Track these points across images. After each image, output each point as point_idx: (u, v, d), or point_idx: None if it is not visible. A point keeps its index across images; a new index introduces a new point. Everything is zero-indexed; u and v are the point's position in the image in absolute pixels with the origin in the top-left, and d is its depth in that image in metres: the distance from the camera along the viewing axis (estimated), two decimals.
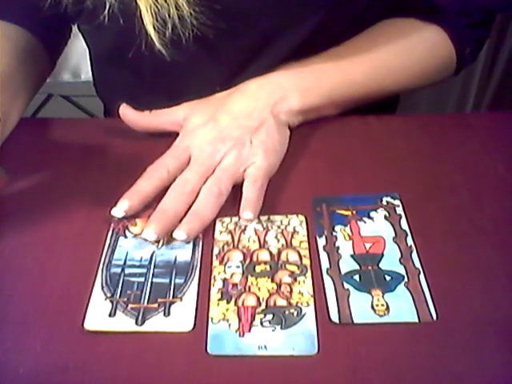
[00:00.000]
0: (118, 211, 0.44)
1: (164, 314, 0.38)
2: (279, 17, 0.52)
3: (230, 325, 0.37)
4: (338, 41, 0.55)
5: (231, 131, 0.47)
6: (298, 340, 0.36)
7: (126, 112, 0.52)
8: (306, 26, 0.53)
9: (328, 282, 0.40)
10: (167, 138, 0.55)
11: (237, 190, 0.47)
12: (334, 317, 0.37)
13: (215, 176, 0.45)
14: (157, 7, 0.44)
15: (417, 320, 0.37)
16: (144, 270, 0.41)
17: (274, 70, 0.52)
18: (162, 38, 0.46)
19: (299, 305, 0.38)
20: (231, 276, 0.40)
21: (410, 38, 0.56)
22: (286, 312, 0.38)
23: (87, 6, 0.46)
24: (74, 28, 0.60)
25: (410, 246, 0.42)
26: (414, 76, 0.57)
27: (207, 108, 0.50)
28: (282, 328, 0.37)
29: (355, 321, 0.37)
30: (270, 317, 0.37)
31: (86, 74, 1.08)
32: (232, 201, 0.47)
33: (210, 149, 0.46)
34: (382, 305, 0.38)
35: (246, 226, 0.44)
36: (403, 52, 0.55)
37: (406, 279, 0.40)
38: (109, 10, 0.45)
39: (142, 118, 0.52)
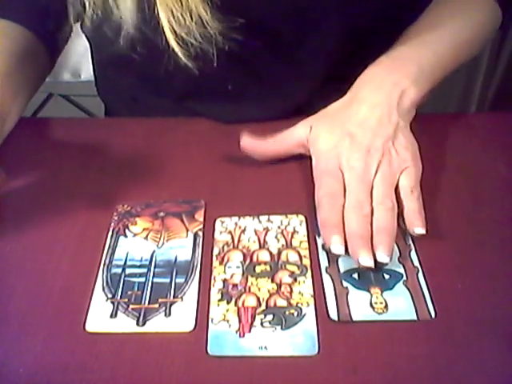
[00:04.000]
0: (338, 248, 0.40)
1: (165, 314, 0.38)
2: (301, 24, 0.52)
3: (230, 325, 0.37)
4: (364, 43, 0.55)
5: (373, 142, 0.45)
6: (299, 340, 0.36)
7: (248, 143, 0.50)
8: (327, 30, 0.53)
9: (327, 281, 0.40)
10: (167, 138, 0.55)
11: (235, 188, 0.47)
12: (333, 315, 0.37)
13: (382, 190, 0.43)
14: (181, 24, 0.43)
15: (415, 318, 0.37)
16: (145, 270, 0.41)
17: (371, 68, 0.51)
18: (187, 53, 0.45)
19: (299, 305, 0.38)
20: (231, 276, 0.40)
21: (468, 7, 0.56)
22: (287, 312, 0.38)
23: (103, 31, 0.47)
24: (75, 27, 0.59)
25: (409, 245, 0.42)
26: (480, 42, 0.57)
27: (331, 124, 0.48)
28: (282, 328, 0.37)
29: (354, 318, 0.37)
30: (270, 317, 0.37)
31: (86, 73, 1.07)
32: (232, 201, 0.47)
33: (362, 165, 0.44)
34: (381, 302, 0.38)
35: (245, 226, 0.44)
36: (468, 21, 0.56)
37: (404, 277, 0.40)
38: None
39: (266, 147, 0.50)
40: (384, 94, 0.48)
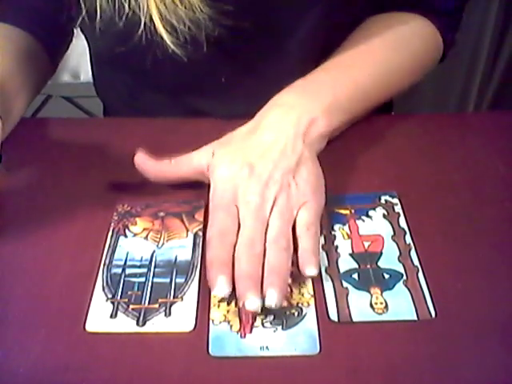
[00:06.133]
0: (222, 290, 0.37)
1: (165, 314, 0.38)
2: (289, 11, 0.52)
3: (231, 326, 0.37)
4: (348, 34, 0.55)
5: (272, 174, 0.42)
6: (300, 340, 0.36)
7: (142, 162, 0.46)
8: (315, 18, 0.53)
9: (327, 281, 0.40)
10: (167, 138, 0.55)
11: None
12: (333, 315, 0.37)
13: (277, 227, 0.41)
14: (170, 9, 0.43)
15: (415, 318, 0.37)
16: (145, 270, 0.41)
17: (284, 92, 0.48)
18: (176, 40, 0.45)
19: (300, 305, 0.38)
20: None
21: (403, 33, 0.55)
22: (287, 312, 0.38)
23: (92, 13, 0.46)
24: (76, 30, 0.60)
25: (409, 244, 0.42)
26: (414, 71, 0.56)
27: (233, 152, 0.45)
28: (283, 328, 0.37)
29: (354, 319, 0.37)
30: (271, 317, 0.37)
31: (86, 74, 1.08)
32: None
33: (258, 199, 0.41)
34: (381, 303, 0.38)
35: None
36: (401, 49, 0.54)
37: (404, 277, 0.40)
38: (119, 16, 0.44)
39: (161, 168, 0.46)
40: (291, 121, 0.46)
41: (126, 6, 0.44)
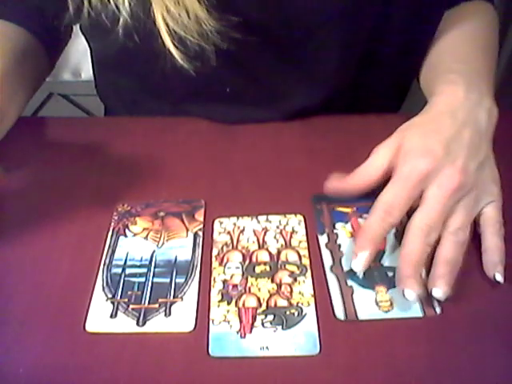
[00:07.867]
0: (359, 264, 0.39)
1: (165, 314, 0.38)
2: (299, 25, 0.52)
3: (231, 326, 0.37)
4: (367, 49, 0.55)
5: (467, 165, 0.41)
6: (300, 340, 0.36)
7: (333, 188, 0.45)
8: (326, 33, 0.53)
9: (332, 280, 0.40)
10: (166, 138, 0.55)
11: (235, 188, 0.47)
12: (340, 314, 0.38)
13: (459, 221, 0.40)
14: (178, 22, 0.43)
15: (421, 315, 0.37)
16: (145, 270, 0.41)
17: (444, 83, 0.48)
18: (184, 56, 0.45)
19: (300, 305, 0.38)
20: (231, 277, 0.40)
21: (481, 20, 0.59)
22: (287, 312, 0.38)
23: (100, 21, 0.46)
24: (75, 27, 0.60)
25: None
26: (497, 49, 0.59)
27: (423, 132, 0.43)
28: (283, 328, 0.37)
29: (360, 317, 0.37)
30: (270, 317, 0.37)
31: (87, 73, 1.07)
32: (230, 201, 0.47)
33: (452, 184, 0.40)
34: (386, 301, 0.38)
35: (244, 227, 0.44)
36: (488, 34, 0.59)
37: None
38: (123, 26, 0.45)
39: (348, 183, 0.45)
40: (473, 114, 0.45)
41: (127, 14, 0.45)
